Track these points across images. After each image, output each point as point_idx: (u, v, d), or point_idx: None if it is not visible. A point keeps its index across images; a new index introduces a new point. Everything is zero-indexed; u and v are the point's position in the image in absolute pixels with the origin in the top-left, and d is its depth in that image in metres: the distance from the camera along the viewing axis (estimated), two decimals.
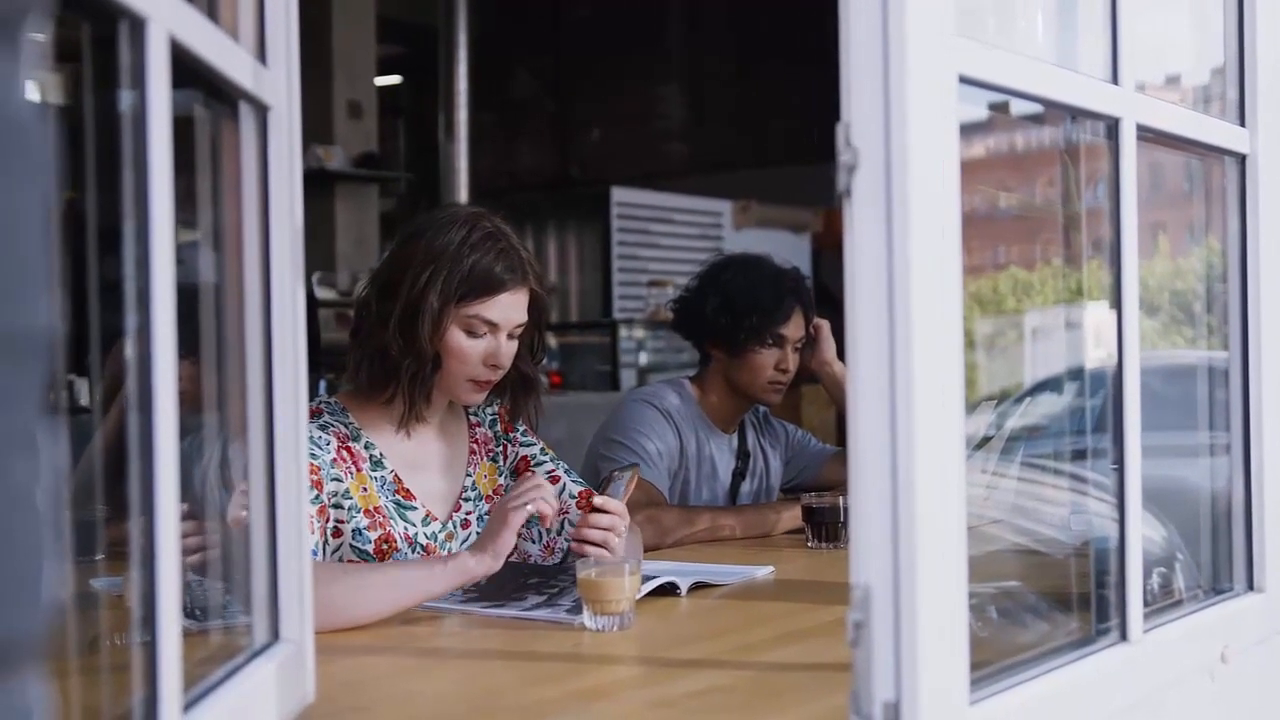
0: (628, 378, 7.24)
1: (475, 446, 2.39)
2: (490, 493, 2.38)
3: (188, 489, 1.07)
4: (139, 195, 1.01)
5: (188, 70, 1.11)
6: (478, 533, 2.30)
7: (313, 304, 4.24)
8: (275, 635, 1.38)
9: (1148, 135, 1.60)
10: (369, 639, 1.87)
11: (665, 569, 2.20)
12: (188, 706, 1.09)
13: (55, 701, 0.65)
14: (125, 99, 1.01)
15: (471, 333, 2.21)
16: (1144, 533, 1.58)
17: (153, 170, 1.01)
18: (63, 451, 0.60)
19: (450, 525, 2.30)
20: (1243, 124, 1.84)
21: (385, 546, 2.18)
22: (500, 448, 2.42)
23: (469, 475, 2.36)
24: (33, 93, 0.58)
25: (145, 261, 1.00)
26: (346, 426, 2.24)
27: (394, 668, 1.76)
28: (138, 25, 1.00)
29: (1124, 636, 1.54)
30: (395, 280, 2.21)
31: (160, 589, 1.01)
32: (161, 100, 1.02)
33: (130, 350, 1.01)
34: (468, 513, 2.34)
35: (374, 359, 2.22)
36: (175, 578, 1.03)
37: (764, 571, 2.38)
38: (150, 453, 1.01)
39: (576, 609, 1.93)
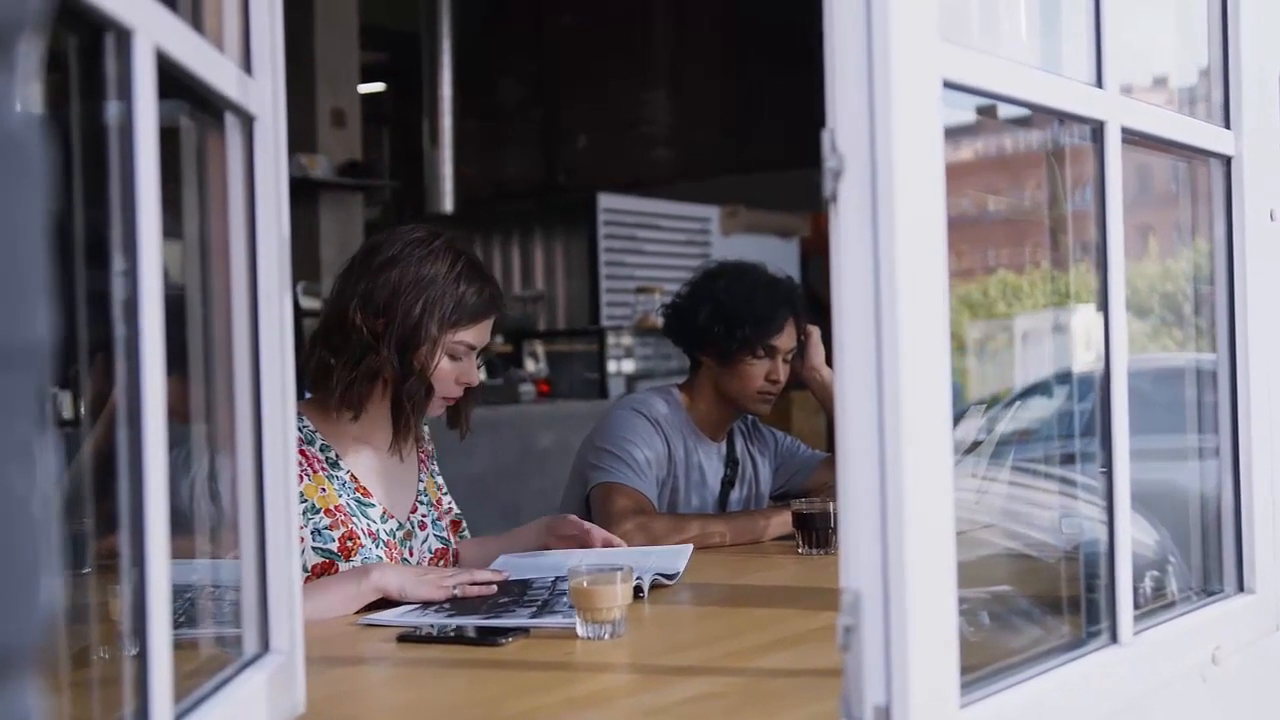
0: (616, 385, 7.22)
1: (423, 457, 2.51)
2: (434, 501, 2.49)
3: (175, 502, 1.07)
4: (126, 206, 1.00)
5: (172, 80, 1.11)
6: (434, 535, 2.44)
7: (297, 314, 4.28)
8: (265, 646, 1.38)
9: (1133, 138, 1.60)
10: (359, 650, 1.86)
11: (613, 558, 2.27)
12: (178, 718, 1.09)
13: (50, 712, 0.65)
14: (111, 110, 1.01)
15: (453, 356, 2.33)
16: (1135, 536, 1.59)
17: (139, 181, 1.01)
18: (56, 462, 0.61)
19: (409, 525, 2.40)
20: (1228, 126, 1.84)
21: (350, 544, 2.26)
22: (435, 465, 2.55)
23: (420, 481, 2.47)
24: (28, 105, 0.59)
25: (133, 273, 1.00)
26: (301, 430, 2.27)
27: (385, 678, 1.75)
28: (124, 36, 0.99)
29: (1114, 638, 1.54)
30: (382, 303, 2.27)
31: (150, 601, 1.01)
32: (148, 111, 1.01)
33: (119, 362, 1.01)
34: (423, 515, 2.45)
35: (363, 380, 2.28)
36: (165, 590, 1.03)
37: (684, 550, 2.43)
38: (139, 465, 1.00)
39: (573, 613, 1.92)
